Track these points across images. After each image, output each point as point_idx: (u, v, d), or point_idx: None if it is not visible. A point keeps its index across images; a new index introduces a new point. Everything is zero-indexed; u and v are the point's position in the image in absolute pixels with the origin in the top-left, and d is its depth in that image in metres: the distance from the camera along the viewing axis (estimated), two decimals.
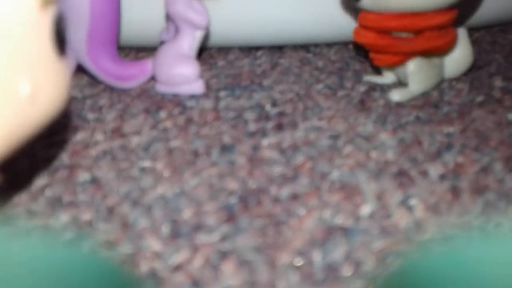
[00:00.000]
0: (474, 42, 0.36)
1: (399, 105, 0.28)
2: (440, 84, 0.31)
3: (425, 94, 0.29)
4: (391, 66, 0.28)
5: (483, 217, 0.19)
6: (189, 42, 0.28)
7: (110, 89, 0.30)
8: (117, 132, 0.25)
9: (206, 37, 0.32)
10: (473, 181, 0.21)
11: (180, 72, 0.28)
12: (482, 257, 0.11)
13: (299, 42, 0.34)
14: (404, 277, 0.12)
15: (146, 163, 0.23)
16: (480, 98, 0.29)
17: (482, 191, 0.21)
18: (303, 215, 0.19)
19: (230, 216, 0.19)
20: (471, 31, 0.38)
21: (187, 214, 0.19)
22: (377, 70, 0.31)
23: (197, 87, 0.29)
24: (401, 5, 0.26)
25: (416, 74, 0.27)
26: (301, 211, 0.19)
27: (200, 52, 0.33)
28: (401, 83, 0.29)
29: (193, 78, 0.28)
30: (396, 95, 0.27)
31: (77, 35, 0.28)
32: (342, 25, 0.34)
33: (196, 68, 0.28)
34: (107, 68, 0.29)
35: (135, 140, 0.24)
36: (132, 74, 0.29)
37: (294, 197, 0.20)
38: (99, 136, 0.25)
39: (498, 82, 0.31)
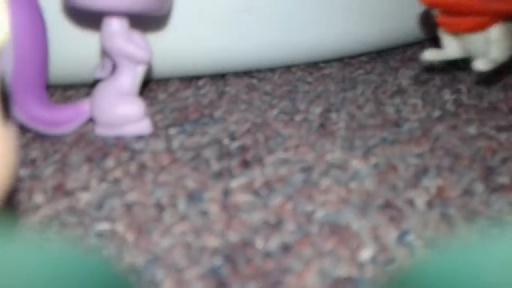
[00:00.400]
0: (411, 59, 0.36)
1: (360, 126, 0.27)
2: (393, 99, 0.30)
3: (381, 112, 0.29)
4: (470, 31, 0.24)
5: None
6: (130, 78, 0.25)
7: (41, 137, 0.26)
8: (60, 190, 0.22)
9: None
10: (461, 206, 0.20)
11: (124, 112, 0.25)
12: (481, 262, 0.10)
13: (243, 69, 0.32)
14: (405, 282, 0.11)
15: (103, 226, 0.20)
16: (436, 113, 0.28)
17: (473, 217, 0.20)
18: (300, 270, 0.17)
19: (219, 283, 0.17)
20: (405, 48, 0.38)
21: (167, 286, 0.17)
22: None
23: (144, 126, 0.26)
24: None
25: (500, 42, 0.24)
26: (297, 265, 0.17)
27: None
28: (464, 59, 0.26)
29: (138, 117, 0.25)
30: (480, 65, 0.24)
31: None
32: (285, 49, 0.32)
33: (141, 106, 0.25)
34: (36, 113, 0.25)
35: (84, 198, 0.21)
36: (66, 118, 0.26)
37: (285, 248, 0.18)
38: (39, 198, 0.21)
39: (447, 96, 0.30)
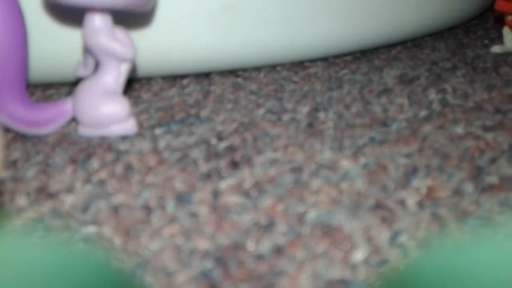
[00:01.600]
0: (395, 59, 0.36)
1: (349, 126, 0.27)
2: (379, 99, 0.30)
3: (368, 111, 0.29)
4: None
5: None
6: (114, 76, 0.25)
7: (22, 137, 0.25)
8: (44, 192, 0.21)
9: None
10: (451, 207, 0.20)
11: (108, 111, 0.25)
12: (479, 261, 0.11)
13: (228, 68, 0.32)
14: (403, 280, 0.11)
15: (90, 229, 0.19)
16: (423, 113, 0.28)
17: (464, 217, 0.20)
18: (293, 272, 0.17)
19: (210, 286, 0.16)
20: (389, 47, 0.38)
21: None
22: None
23: (129, 126, 0.25)
24: None
25: None
26: (289, 267, 0.17)
27: None
28: None
29: (123, 116, 0.25)
30: None
31: None
32: (271, 47, 0.32)
33: (126, 105, 0.25)
34: (17, 113, 0.24)
35: (68, 200, 0.21)
36: (48, 118, 0.25)
37: (277, 250, 0.18)
38: (22, 200, 0.21)
39: (433, 95, 0.31)
